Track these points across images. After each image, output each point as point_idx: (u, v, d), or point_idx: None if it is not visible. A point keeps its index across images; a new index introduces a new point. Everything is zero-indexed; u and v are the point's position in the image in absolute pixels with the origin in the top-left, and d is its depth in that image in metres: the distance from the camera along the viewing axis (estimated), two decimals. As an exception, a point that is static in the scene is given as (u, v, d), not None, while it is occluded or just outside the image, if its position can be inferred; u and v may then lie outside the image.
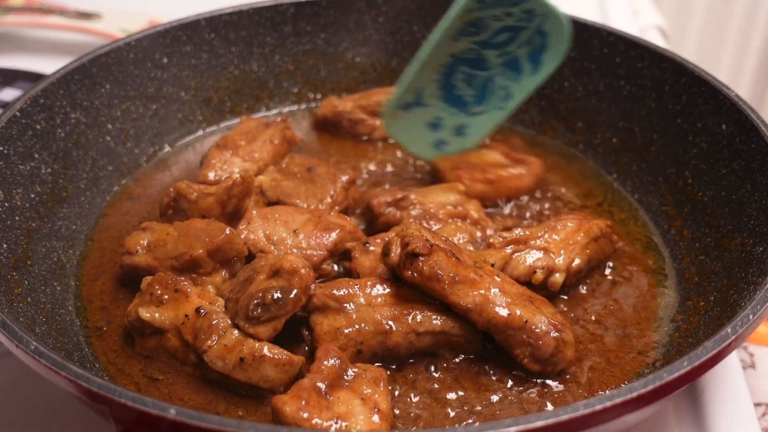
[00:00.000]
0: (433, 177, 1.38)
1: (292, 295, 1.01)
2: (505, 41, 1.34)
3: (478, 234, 1.22)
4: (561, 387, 1.05)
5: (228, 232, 1.11)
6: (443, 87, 1.37)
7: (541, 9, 1.31)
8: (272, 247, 1.16)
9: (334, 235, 1.18)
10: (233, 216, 1.20)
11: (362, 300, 1.05)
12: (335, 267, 1.20)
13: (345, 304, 1.05)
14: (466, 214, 1.24)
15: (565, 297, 1.18)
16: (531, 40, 1.33)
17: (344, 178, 1.30)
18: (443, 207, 1.24)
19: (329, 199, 1.27)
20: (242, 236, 1.16)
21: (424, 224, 1.21)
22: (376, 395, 0.95)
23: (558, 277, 1.13)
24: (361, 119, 1.52)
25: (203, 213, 1.18)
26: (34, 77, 1.73)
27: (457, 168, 1.35)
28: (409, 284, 1.05)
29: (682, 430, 1.09)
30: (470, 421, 1.00)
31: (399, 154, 1.49)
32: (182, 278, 1.08)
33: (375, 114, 1.51)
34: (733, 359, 1.18)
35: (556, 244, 1.15)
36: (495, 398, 1.03)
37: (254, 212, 1.19)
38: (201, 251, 1.11)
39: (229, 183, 1.18)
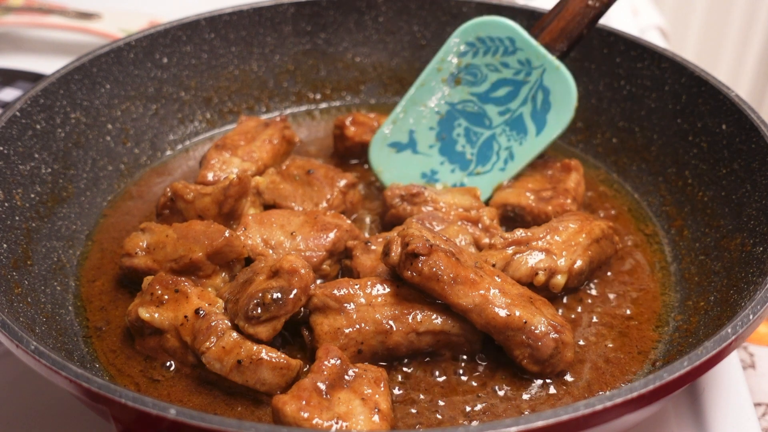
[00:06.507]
0: (515, 217, 1.28)
1: (291, 295, 1.01)
2: (506, 96, 1.29)
3: (485, 240, 1.19)
4: (561, 387, 1.05)
5: (227, 234, 1.11)
6: (442, 139, 1.34)
7: (538, 60, 1.26)
8: (270, 251, 1.16)
9: (331, 235, 1.17)
10: (230, 216, 1.20)
11: (362, 300, 1.05)
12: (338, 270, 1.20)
13: (345, 304, 1.05)
14: (479, 219, 1.21)
15: (566, 298, 1.18)
16: (533, 96, 1.27)
17: (342, 182, 1.29)
18: (455, 209, 1.23)
19: (325, 203, 1.27)
20: (240, 241, 1.16)
21: (428, 224, 1.21)
22: (377, 395, 0.95)
23: (560, 279, 1.13)
24: None
25: (200, 213, 1.18)
26: (34, 77, 1.73)
27: (546, 199, 1.26)
28: (409, 284, 1.05)
29: (682, 430, 1.09)
30: (470, 421, 1.00)
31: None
32: (183, 278, 1.08)
33: None
34: (733, 359, 1.18)
35: (558, 246, 1.15)
36: (494, 398, 1.03)
37: (250, 217, 1.19)
38: (200, 254, 1.10)
39: (226, 183, 1.18)
